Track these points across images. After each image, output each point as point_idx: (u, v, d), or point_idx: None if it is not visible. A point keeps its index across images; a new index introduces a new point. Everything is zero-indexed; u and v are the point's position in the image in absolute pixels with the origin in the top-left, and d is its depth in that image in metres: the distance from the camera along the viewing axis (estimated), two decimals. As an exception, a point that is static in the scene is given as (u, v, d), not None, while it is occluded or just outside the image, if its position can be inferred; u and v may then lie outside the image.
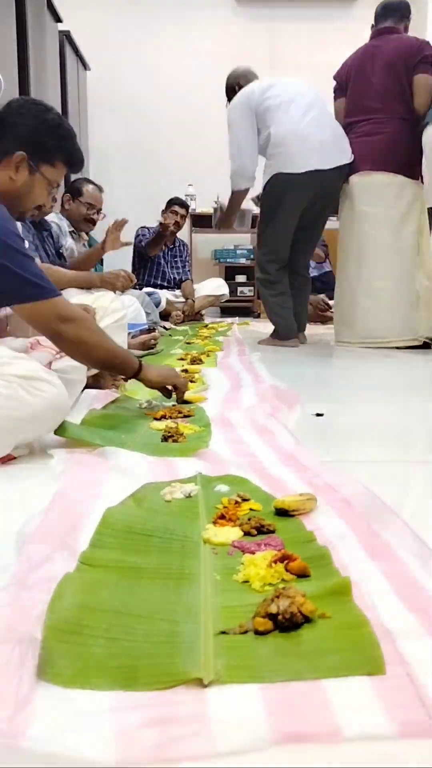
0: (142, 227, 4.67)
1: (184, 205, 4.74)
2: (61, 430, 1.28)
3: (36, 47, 3.24)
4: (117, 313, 2.25)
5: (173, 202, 4.68)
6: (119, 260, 4.71)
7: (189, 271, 4.92)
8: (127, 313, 2.33)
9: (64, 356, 1.64)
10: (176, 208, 4.66)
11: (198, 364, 2.50)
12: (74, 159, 1.53)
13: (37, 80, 3.25)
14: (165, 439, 1.37)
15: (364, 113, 3.17)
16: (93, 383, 1.86)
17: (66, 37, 4.23)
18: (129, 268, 4.64)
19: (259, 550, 0.80)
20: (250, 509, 0.95)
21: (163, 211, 4.69)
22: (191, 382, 2.07)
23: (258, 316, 5.41)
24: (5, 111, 1.44)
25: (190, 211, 5.55)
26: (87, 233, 3.74)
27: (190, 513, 0.95)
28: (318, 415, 1.65)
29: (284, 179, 3.05)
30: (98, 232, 4.15)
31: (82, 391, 1.72)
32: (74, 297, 2.23)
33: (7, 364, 1.23)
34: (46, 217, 2.86)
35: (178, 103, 5.72)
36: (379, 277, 3.13)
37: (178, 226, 4.72)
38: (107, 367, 1.57)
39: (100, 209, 3.27)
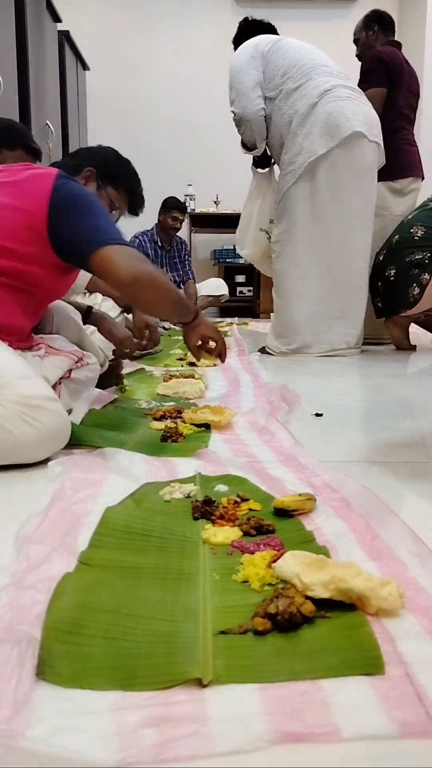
0: (136, 236, 4.64)
1: (182, 208, 4.71)
2: None
3: (35, 47, 3.24)
4: (110, 313, 2.26)
5: (172, 206, 4.64)
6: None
7: (190, 270, 4.89)
8: (120, 311, 2.33)
9: (85, 366, 1.63)
10: (176, 213, 4.64)
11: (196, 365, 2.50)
12: (136, 192, 1.73)
13: (36, 80, 3.24)
14: (164, 439, 1.37)
15: (410, 121, 3.26)
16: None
17: (65, 37, 4.22)
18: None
19: (259, 550, 0.80)
20: (250, 509, 0.95)
21: (160, 213, 4.66)
22: (192, 378, 2.07)
23: (258, 316, 5.40)
24: (91, 147, 1.78)
25: (189, 211, 5.55)
26: None
27: (190, 513, 0.94)
28: (317, 415, 1.65)
29: None
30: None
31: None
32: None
33: (9, 384, 1.17)
34: None
35: (177, 103, 5.72)
36: None
37: (176, 230, 4.71)
38: (177, 309, 1.55)
39: None
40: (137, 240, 4.62)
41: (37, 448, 1.18)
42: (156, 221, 4.71)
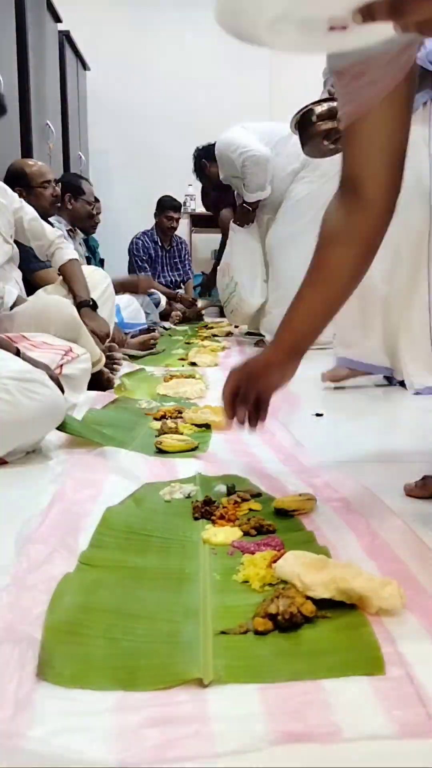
0: (137, 237, 4.63)
1: (176, 206, 4.69)
2: (62, 425, 1.27)
3: (35, 47, 3.24)
4: (98, 289, 2.23)
5: (167, 206, 4.63)
6: (118, 265, 4.70)
7: (190, 270, 4.89)
8: (110, 281, 2.31)
9: (74, 358, 1.62)
10: (171, 213, 4.63)
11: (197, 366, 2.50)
12: None
13: (36, 80, 3.24)
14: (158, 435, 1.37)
15: None
16: (92, 384, 1.85)
17: (66, 37, 4.22)
18: (126, 274, 4.62)
19: (259, 550, 0.80)
20: (250, 509, 0.95)
21: (156, 214, 4.66)
22: (193, 378, 2.07)
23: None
24: None
25: (190, 211, 5.54)
26: (85, 232, 3.73)
27: (190, 513, 0.95)
28: (318, 415, 1.65)
29: None
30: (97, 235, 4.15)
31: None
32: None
33: None
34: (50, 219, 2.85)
35: (177, 103, 5.71)
36: None
37: (174, 229, 4.71)
38: None
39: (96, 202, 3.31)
40: (140, 241, 4.61)
41: (39, 424, 1.20)
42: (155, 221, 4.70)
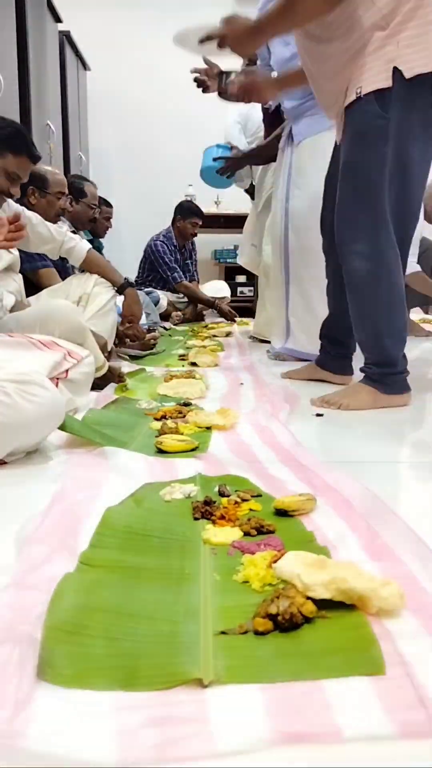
0: (160, 240, 4.57)
1: (202, 214, 4.67)
2: (62, 425, 1.27)
3: (36, 47, 3.24)
4: (101, 297, 2.24)
5: (193, 212, 4.59)
6: (118, 266, 4.68)
7: (196, 271, 4.90)
8: (114, 293, 2.32)
9: (79, 362, 1.62)
10: (197, 219, 4.61)
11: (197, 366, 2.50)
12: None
13: (37, 80, 3.25)
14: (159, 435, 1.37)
15: None
16: (97, 383, 1.85)
17: (66, 38, 4.23)
18: (133, 275, 4.60)
19: (259, 550, 0.80)
20: (250, 509, 0.95)
21: (178, 219, 4.60)
22: (193, 378, 2.07)
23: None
24: None
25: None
26: (95, 235, 3.74)
27: (190, 513, 0.95)
28: (318, 415, 1.65)
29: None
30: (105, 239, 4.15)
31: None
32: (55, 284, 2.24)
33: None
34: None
35: (178, 103, 5.71)
36: None
37: (195, 235, 4.71)
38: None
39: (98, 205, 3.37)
40: (164, 245, 4.53)
41: (37, 427, 1.19)
42: (170, 224, 4.65)
